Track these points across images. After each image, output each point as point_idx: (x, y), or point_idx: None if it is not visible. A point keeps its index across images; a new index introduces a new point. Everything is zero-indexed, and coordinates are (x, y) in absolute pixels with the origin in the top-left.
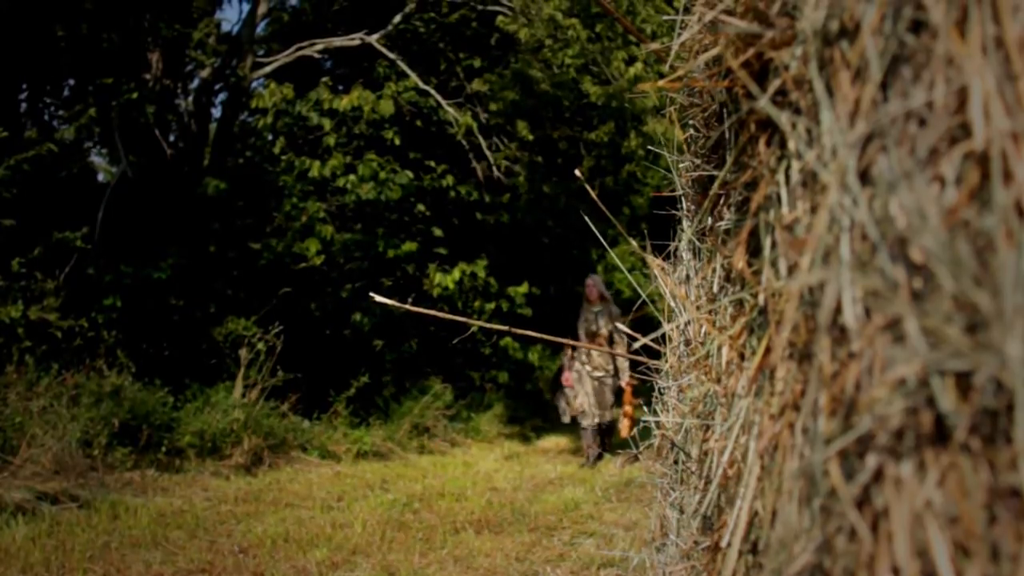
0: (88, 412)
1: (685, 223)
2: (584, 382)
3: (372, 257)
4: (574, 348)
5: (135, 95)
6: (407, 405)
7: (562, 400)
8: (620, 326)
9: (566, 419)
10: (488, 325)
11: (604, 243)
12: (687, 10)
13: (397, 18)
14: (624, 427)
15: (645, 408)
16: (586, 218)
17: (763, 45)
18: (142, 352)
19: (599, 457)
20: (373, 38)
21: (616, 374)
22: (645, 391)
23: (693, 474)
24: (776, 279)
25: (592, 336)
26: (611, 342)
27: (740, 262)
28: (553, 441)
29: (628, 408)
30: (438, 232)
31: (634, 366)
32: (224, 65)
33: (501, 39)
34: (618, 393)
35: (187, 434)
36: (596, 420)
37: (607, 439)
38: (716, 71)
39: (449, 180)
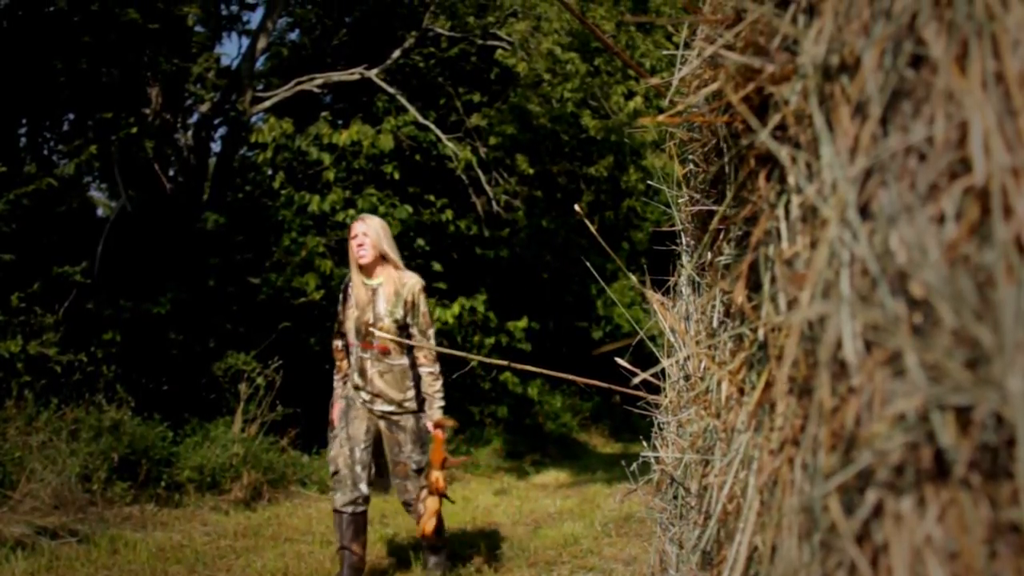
0: (87, 447)
1: (684, 258)
2: (353, 421)
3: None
4: (350, 360)
5: (134, 130)
6: None
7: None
8: (424, 314)
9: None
10: (488, 360)
11: (600, 280)
12: (687, 45)
13: (396, 53)
14: (427, 512)
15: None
16: (586, 261)
17: (763, 80)
18: (141, 387)
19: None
20: (372, 72)
21: (419, 408)
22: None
23: (692, 509)
24: (776, 314)
25: (366, 332)
26: (408, 349)
27: (740, 297)
28: (552, 476)
29: (436, 475)
30: (437, 266)
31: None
32: (223, 100)
33: (500, 73)
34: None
35: (186, 469)
36: (359, 495)
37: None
38: (716, 106)
39: (448, 214)
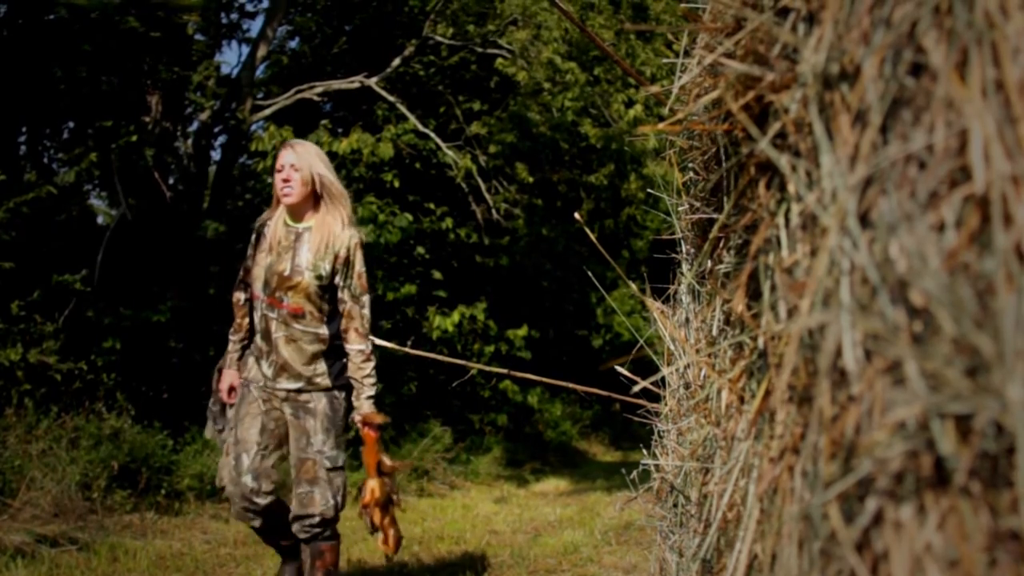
0: (87, 455)
1: (685, 266)
2: (244, 420)
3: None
4: (253, 319)
5: (134, 138)
6: (406, 447)
7: (211, 418)
8: (360, 275)
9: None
10: (488, 368)
11: (601, 288)
12: (687, 53)
13: (396, 61)
14: (381, 529)
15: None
16: (586, 269)
17: (763, 88)
18: (141, 395)
19: None
20: (372, 81)
21: (336, 386)
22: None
23: (692, 517)
24: (776, 322)
25: (277, 284)
26: (330, 316)
27: (740, 305)
28: (552, 484)
29: (371, 485)
30: (437, 275)
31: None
32: (223, 108)
33: (501, 82)
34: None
35: (186, 477)
36: (254, 510)
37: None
38: (716, 114)
39: (448, 223)
